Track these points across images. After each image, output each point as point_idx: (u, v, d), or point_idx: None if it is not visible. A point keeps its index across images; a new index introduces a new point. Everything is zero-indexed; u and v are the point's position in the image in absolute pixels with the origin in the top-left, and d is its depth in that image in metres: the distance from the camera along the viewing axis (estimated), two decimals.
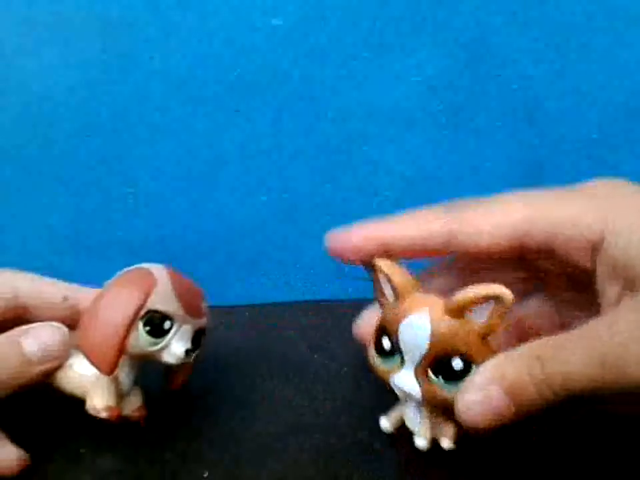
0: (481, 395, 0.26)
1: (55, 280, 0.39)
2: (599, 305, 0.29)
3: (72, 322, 0.35)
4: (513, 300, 0.26)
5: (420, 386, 0.29)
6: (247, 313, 0.50)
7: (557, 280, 0.33)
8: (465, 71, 0.48)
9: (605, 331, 0.26)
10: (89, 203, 0.51)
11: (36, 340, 0.33)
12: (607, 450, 0.33)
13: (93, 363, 0.32)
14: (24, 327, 0.33)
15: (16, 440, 0.34)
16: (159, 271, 0.34)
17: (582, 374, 0.25)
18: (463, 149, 0.50)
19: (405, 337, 0.29)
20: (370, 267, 0.32)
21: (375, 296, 0.32)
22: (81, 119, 0.49)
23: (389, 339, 0.30)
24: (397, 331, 0.29)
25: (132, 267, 0.34)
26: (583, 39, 0.46)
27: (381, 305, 0.32)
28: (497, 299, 0.26)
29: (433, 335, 0.28)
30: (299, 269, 0.52)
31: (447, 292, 0.30)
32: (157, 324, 0.33)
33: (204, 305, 0.36)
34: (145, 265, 0.34)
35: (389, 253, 0.32)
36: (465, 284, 0.33)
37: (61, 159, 0.50)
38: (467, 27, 0.46)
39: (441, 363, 0.28)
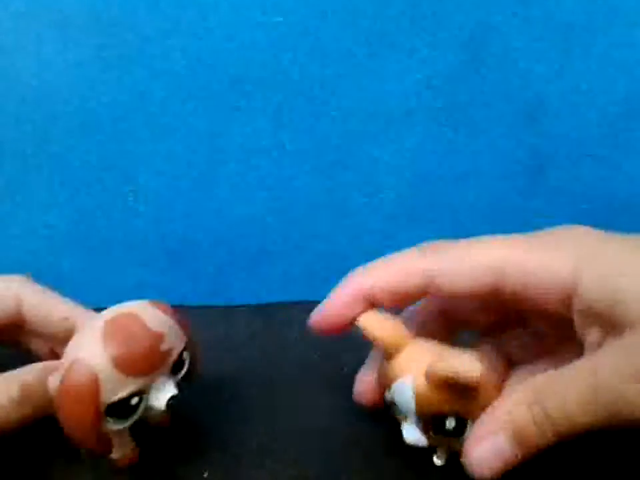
0: (489, 446, 0.27)
1: (60, 297, 0.38)
2: (579, 339, 0.30)
3: (66, 341, 0.35)
4: (479, 378, 0.27)
5: (426, 438, 0.30)
6: (246, 312, 0.50)
7: (537, 318, 0.34)
8: (465, 70, 0.48)
9: (597, 374, 0.26)
10: (88, 201, 0.51)
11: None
12: (606, 455, 0.33)
13: None
14: (53, 365, 0.33)
15: (16, 440, 0.34)
16: (97, 355, 0.30)
17: (580, 416, 0.26)
18: (463, 147, 0.50)
19: (397, 400, 0.30)
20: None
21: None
22: (80, 116, 0.49)
23: (389, 393, 0.31)
24: (390, 391, 0.30)
25: (69, 355, 0.31)
26: (584, 38, 0.46)
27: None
28: (463, 381, 0.27)
29: (417, 402, 0.29)
30: (299, 267, 0.52)
31: (433, 332, 0.33)
32: (122, 409, 0.31)
33: (166, 342, 0.32)
34: (80, 351, 0.31)
35: (373, 306, 0.32)
36: (445, 323, 0.35)
37: (60, 157, 0.50)
38: (467, 26, 0.46)
39: (435, 423, 0.29)
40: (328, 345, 0.39)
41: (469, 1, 0.46)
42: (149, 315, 0.32)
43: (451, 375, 0.27)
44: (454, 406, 0.28)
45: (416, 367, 0.29)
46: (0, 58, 0.48)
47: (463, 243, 0.32)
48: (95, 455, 0.34)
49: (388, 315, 0.32)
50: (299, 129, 0.50)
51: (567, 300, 0.29)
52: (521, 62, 0.47)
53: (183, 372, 0.34)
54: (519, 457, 0.27)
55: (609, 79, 0.47)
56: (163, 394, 0.32)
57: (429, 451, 0.32)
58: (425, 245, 0.33)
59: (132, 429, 0.33)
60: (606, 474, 0.32)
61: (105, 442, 0.32)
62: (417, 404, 0.29)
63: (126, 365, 0.30)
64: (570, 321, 0.30)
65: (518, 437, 0.27)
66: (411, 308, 0.36)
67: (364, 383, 0.36)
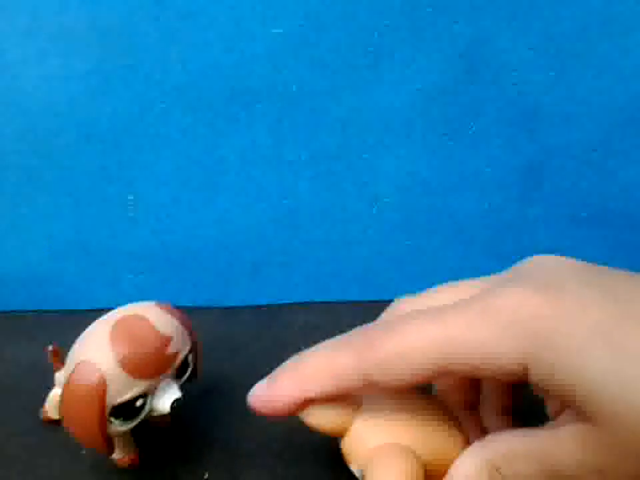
0: None
1: None
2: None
3: None
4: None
5: None
6: (247, 314, 0.50)
7: (501, 390, 0.33)
8: (462, 79, 0.48)
9: (556, 456, 0.25)
10: (90, 211, 0.52)
11: None
12: None
13: None
14: None
15: (16, 441, 0.34)
16: (105, 356, 0.30)
17: None
18: (461, 156, 0.50)
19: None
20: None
21: None
22: (82, 128, 0.50)
23: None
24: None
25: (77, 358, 0.31)
26: (580, 46, 0.47)
27: None
28: None
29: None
30: (298, 275, 0.53)
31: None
32: (127, 411, 0.31)
33: (173, 344, 0.32)
34: (88, 352, 0.31)
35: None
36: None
37: (62, 167, 0.51)
38: (464, 36, 0.47)
39: None
40: None
41: (466, 12, 0.46)
42: (157, 317, 0.33)
43: None
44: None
45: (359, 456, 0.30)
46: (3, 71, 0.49)
47: (395, 327, 0.29)
48: (96, 455, 0.34)
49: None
50: (298, 139, 0.50)
51: (522, 377, 0.26)
52: (517, 71, 0.48)
53: (187, 374, 0.34)
54: None
55: (605, 88, 0.48)
56: (167, 396, 0.32)
57: None
58: (354, 335, 0.30)
59: (133, 429, 0.33)
60: None
61: (108, 443, 0.32)
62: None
63: (133, 367, 0.30)
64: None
65: None
66: None
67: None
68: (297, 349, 0.44)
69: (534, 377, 0.25)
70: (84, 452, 0.36)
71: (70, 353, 0.32)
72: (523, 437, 0.27)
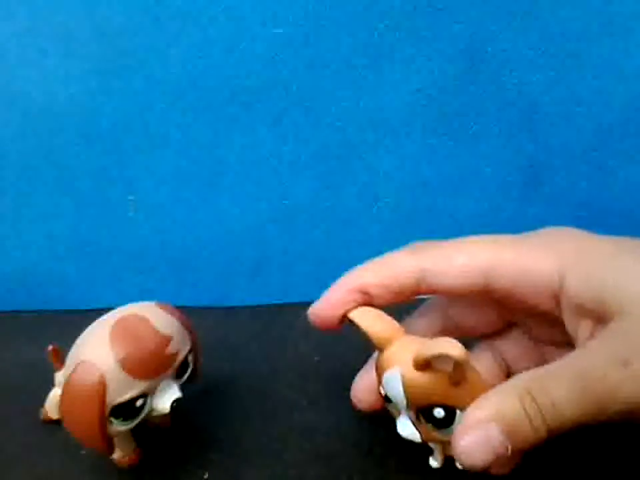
0: (479, 435, 0.26)
1: None
2: (572, 339, 0.30)
3: None
4: (464, 357, 0.26)
5: (419, 431, 0.30)
6: (247, 314, 0.50)
7: (529, 318, 0.34)
8: (462, 79, 0.48)
9: (590, 367, 0.26)
10: (90, 211, 0.52)
11: None
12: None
13: None
14: None
15: (16, 440, 0.34)
16: (104, 356, 0.31)
17: (570, 407, 0.26)
18: (460, 156, 0.50)
19: (388, 392, 0.30)
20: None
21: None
22: (82, 128, 0.50)
23: (382, 387, 0.31)
24: (382, 383, 0.30)
25: (77, 358, 0.31)
26: (580, 47, 0.47)
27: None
28: (450, 357, 0.26)
29: (406, 391, 0.29)
30: (299, 275, 0.53)
31: (432, 333, 0.32)
32: (127, 411, 0.31)
33: (173, 345, 0.32)
34: (88, 353, 0.31)
35: (368, 302, 0.33)
36: (444, 325, 0.35)
37: (62, 167, 0.51)
38: (464, 35, 0.47)
39: (425, 413, 0.29)
40: (328, 346, 0.39)
41: (465, 11, 0.46)
42: (157, 317, 0.33)
43: (435, 353, 0.27)
44: (442, 394, 0.28)
45: (404, 357, 0.29)
46: (3, 71, 0.49)
47: (453, 242, 0.33)
48: (96, 455, 0.34)
49: (380, 311, 0.32)
50: (298, 139, 0.50)
51: (555, 297, 0.30)
52: (517, 71, 0.48)
53: (187, 374, 0.34)
54: (509, 450, 0.26)
55: (605, 88, 0.48)
56: (167, 396, 0.32)
57: (428, 451, 0.32)
58: (417, 243, 0.34)
59: (133, 429, 0.33)
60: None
61: (108, 442, 0.32)
62: (405, 393, 0.29)
63: (133, 367, 0.30)
64: (563, 324, 0.30)
65: (510, 429, 0.26)
66: (411, 318, 0.37)
67: (360, 387, 0.36)
68: (297, 349, 0.45)
69: (569, 286, 0.29)
70: (84, 452, 0.36)
71: (70, 353, 0.32)
72: (548, 366, 0.28)
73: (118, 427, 0.31)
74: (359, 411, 0.36)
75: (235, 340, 0.47)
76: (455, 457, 0.27)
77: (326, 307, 0.33)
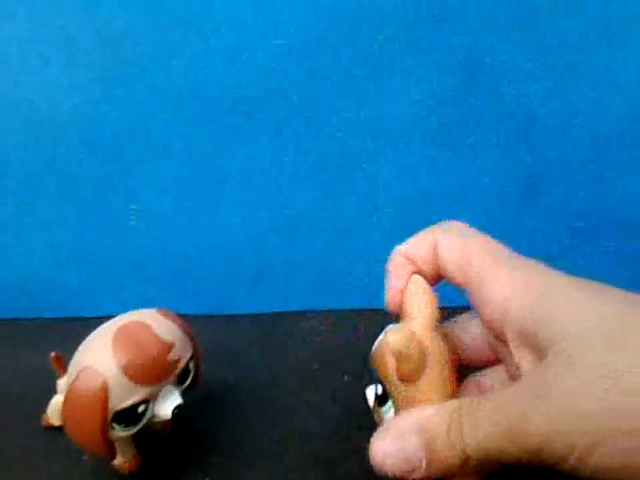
0: (396, 443, 0.27)
1: None
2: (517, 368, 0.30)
3: None
4: (393, 344, 0.27)
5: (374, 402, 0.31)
6: (247, 322, 0.51)
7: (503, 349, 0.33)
8: (461, 90, 0.48)
9: (512, 399, 0.26)
10: (92, 219, 0.52)
11: None
12: None
13: None
14: None
15: (18, 446, 0.34)
16: (107, 363, 0.31)
17: (489, 435, 0.25)
18: (459, 166, 0.50)
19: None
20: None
21: None
22: (84, 136, 0.50)
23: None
24: None
25: (79, 364, 0.32)
26: (577, 58, 0.47)
27: None
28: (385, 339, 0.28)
29: (373, 352, 0.30)
30: (299, 283, 0.53)
31: None
32: (129, 416, 0.31)
33: (174, 351, 0.33)
34: (90, 359, 0.31)
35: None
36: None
37: (64, 176, 0.51)
38: (463, 47, 0.47)
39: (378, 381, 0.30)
40: (328, 353, 0.40)
41: (464, 23, 0.47)
42: (159, 324, 0.33)
43: (386, 332, 0.28)
44: (386, 376, 0.29)
45: (394, 326, 0.30)
46: (6, 79, 0.49)
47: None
48: (97, 460, 0.34)
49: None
50: (299, 149, 0.51)
51: (503, 318, 0.29)
52: (515, 82, 0.48)
53: (189, 381, 0.34)
54: (423, 465, 0.26)
55: (602, 99, 0.48)
56: (169, 403, 0.32)
57: None
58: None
59: (135, 435, 0.33)
60: None
61: (110, 448, 0.32)
62: (373, 357, 0.30)
63: (135, 373, 0.31)
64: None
65: (427, 443, 0.26)
66: None
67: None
68: (297, 357, 0.45)
69: (511, 316, 0.28)
70: (85, 457, 0.36)
71: (72, 360, 0.33)
72: (486, 395, 0.28)
73: (120, 432, 0.32)
74: (359, 417, 0.36)
75: (236, 347, 0.47)
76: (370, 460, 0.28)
77: (391, 292, 0.33)
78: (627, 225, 0.51)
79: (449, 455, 0.26)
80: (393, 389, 0.29)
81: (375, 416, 0.31)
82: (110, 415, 0.31)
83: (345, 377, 0.41)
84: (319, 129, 0.50)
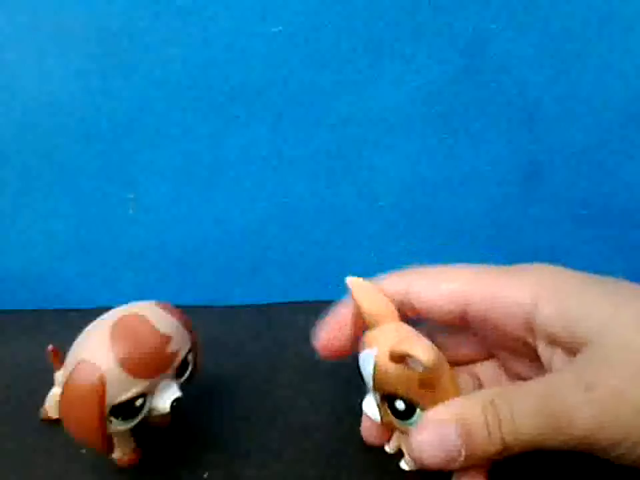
0: (435, 434, 0.27)
1: None
2: (545, 371, 0.31)
3: None
4: (431, 363, 0.27)
5: (379, 412, 0.31)
6: (247, 313, 0.50)
7: (505, 351, 0.34)
8: (462, 77, 0.48)
9: (553, 389, 0.27)
10: (90, 210, 0.52)
11: None
12: None
13: None
14: None
15: (16, 440, 0.34)
16: (104, 356, 0.30)
17: (528, 423, 0.26)
18: (461, 154, 0.50)
19: (361, 369, 0.31)
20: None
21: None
22: (81, 126, 0.50)
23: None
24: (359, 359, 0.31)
25: (77, 357, 0.31)
26: (580, 45, 0.47)
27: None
28: (419, 360, 0.27)
29: (375, 375, 0.29)
30: (299, 273, 0.53)
31: None
32: (127, 410, 0.31)
33: (173, 344, 0.32)
34: (87, 353, 0.31)
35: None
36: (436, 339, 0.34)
37: (61, 166, 0.51)
38: (465, 33, 0.47)
39: (388, 400, 0.30)
40: None
41: (466, 8, 0.46)
42: (157, 317, 0.33)
43: (407, 353, 0.27)
44: (407, 390, 0.28)
45: (383, 343, 0.29)
46: (2, 69, 0.49)
47: (438, 268, 0.35)
48: (95, 455, 0.34)
49: (379, 288, 0.33)
50: (297, 137, 0.50)
51: (529, 325, 0.31)
52: (518, 69, 0.48)
53: (187, 374, 0.34)
54: (462, 456, 0.27)
55: (606, 85, 0.48)
56: (167, 396, 0.32)
57: None
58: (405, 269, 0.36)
59: (133, 429, 0.33)
60: None
61: (108, 442, 0.32)
62: (374, 377, 0.29)
63: (133, 367, 0.30)
64: (537, 359, 0.31)
65: (466, 433, 0.26)
66: None
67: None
68: (297, 349, 0.45)
69: (542, 315, 0.30)
70: (83, 451, 0.36)
71: (70, 352, 0.32)
72: (516, 383, 0.30)
73: (117, 426, 0.31)
74: (360, 410, 0.36)
75: (235, 339, 0.46)
76: (410, 455, 0.28)
77: (328, 342, 0.35)
78: (631, 214, 0.51)
79: (487, 444, 0.26)
80: (418, 398, 0.28)
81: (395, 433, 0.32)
82: (107, 409, 0.30)
83: (345, 370, 0.40)
84: (318, 117, 0.49)
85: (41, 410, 0.39)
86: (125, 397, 0.30)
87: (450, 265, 0.35)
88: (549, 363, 0.30)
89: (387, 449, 0.33)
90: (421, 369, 0.27)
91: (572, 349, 0.28)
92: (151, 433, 0.36)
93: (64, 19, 0.47)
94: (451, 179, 0.51)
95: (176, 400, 0.32)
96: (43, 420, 0.39)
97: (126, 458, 0.34)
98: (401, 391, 0.29)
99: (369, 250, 0.52)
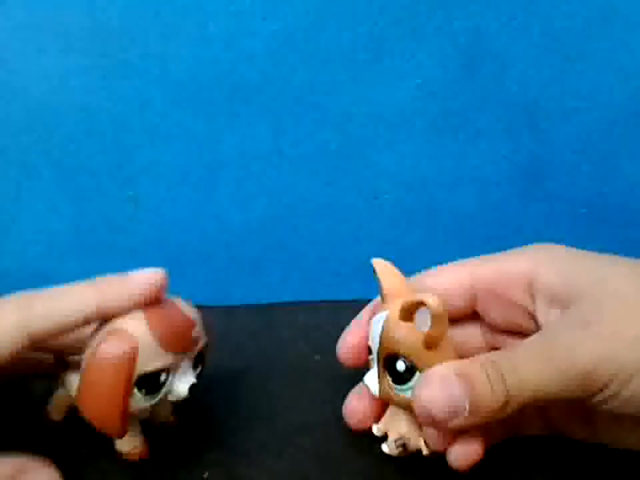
0: (440, 388, 0.28)
1: (71, 292, 0.34)
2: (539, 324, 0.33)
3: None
4: (439, 308, 0.27)
5: (379, 384, 0.31)
6: (247, 313, 0.50)
7: (510, 336, 0.35)
8: (463, 75, 0.48)
9: (554, 333, 0.29)
10: (89, 208, 0.51)
11: None
12: None
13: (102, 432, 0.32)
14: (21, 464, 0.32)
15: (17, 441, 0.34)
16: (138, 325, 0.31)
17: (531, 372, 0.27)
18: (462, 152, 0.50)
19: (370, 335, 0.31)
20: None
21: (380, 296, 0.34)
22: (81, 124, 0.50)
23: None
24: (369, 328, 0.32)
25: (108, 328, 0.32)
26: (582, 43, 0.47)
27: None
28: (426, 305, 0.27)
29: (382, 334, 0.30)
30: (299, 271, 0.53)
31: None
32: (151, 383, 0.31)
33: (196, 330, 0.33)
34: (120, 322, 0.31)
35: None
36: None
37: (61, 164, 0.50)
38: (466, 31, 0.47)
39: (389, 363, 0.30)
40: (328, 345, 0.39)
41: (467, 6, 0.46)
42: (182, 304, 0.34)
43: (415, 300, 0.28)
44: (411, 348, 0.29)
45: (395, 306, 0.30)
46: (2, 67, 0.49)
47: (436, 268, 0.37)
48: (96, 454, 0.34)
49: (398, 271, 0.34)
50: (298, 135, 0.50)
51: (530, 288, 0.33)
52: (519, 67, 0.48)
53: (199, 369, 0.34)
54: (466, 410, 0.27)
55: (607, 84, 0.48)
56: (186, 380, 0.33)
57: (430, 453, 0.31)
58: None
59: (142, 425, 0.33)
60: None
61: (126, 420, 0.31)
62: (381, 336, 0.30)
63: (164, 338, 0.31)
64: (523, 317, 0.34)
65: (470, 389, 0.27)
66: None
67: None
68: (297, 348, 0.45)
69: (542, 278, 0.32)
70: (83, 450, 0.36)
71: (98, 327, 0.32)
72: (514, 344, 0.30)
73: (138, 402, 0.31)
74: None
75: (235, 339, 0.46)
76: (415, 410, 0.28)
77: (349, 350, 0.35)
78: (631, 211, 0.51)
79: (490, 399, 0.27)
80: (420, 360, 0.29)
81: (370, 360, 0.32)
82: (134, 378, 0.31)
83: (345, 370, 0.40)
84: (318, 115, 0.49)
85: (47, 410, 0.39)
86: (153, 366, 0.31)
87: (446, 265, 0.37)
88: (548, 319, 0.32)
89: (375, 430, 0.33)
90: (427, 327, 0.28)
91: (567, 304, 0.30)
92: (151, 432, 0.36)
93: (64, 17, 0.47)
94: (451, 177, 0.51)
95: (192, 386, 0.33)
96: (45, 421, 0.38)
97: (137, 451, 0.34)
98: (403, 350, 0.29)
99: (369, 249, 0.52)
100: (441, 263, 0.50)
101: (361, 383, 0.35)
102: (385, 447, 0.32)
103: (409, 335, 0.29)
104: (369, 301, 0.36)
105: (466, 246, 0.52)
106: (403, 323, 0.29)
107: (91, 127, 0.50)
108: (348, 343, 0.35)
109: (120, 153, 0.50)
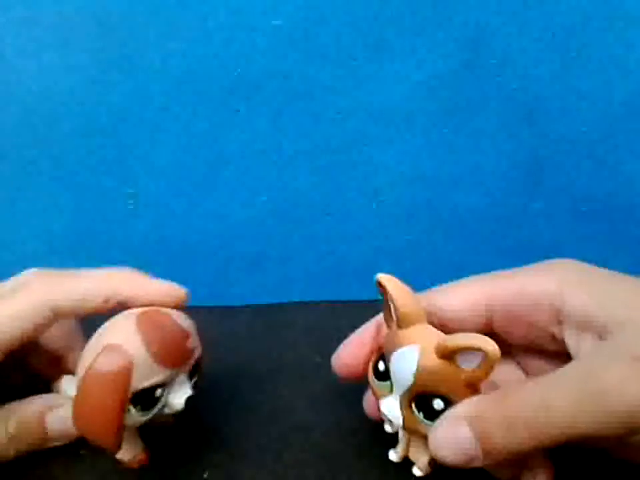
0: (449, 431, 0.27)
1: (94, 275, 0.36)
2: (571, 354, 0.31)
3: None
4: (497, 354, 0.26)
5: (402, 416, 0.30)
6: (247, 313, 0.50)
7: (529, 352, 0.34)
8: (464, 72, 0.48)
9: (591, 366, 0.26)
10: (89, 204, 0.51)
11: (58, 419, 0.34)
12: None
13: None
14: (51, 401, 0.34)
15: None
16: (132, 340, 0.31)
17: (567, 408, 0.25)
18: (462, 149, 0.50)
19: (395, 367, 0.30)
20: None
21: (383, 313, 0.32)
22: (80, 120, 0.49)
23: (384, 363, 0.31)
24: (390, 358, 0.30)
25: (103, 341, 0.31)
26: (583, 39, 0.46)
27: (387, 324, 0.32)
28: (482, 350, 0.26)
29: (418, 372, 0.28)
30: (299, 269, 0.53)
31: None
32: (146, 399, 0.31)
33: (191, 341, 0.33)
34: (115, 336, 0.31)
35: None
36: None
37: (60, 161, 0.50)
38: (467, 27, 0.46)
39: (423, 400, 0.29)
40: (328, 346, 0.39)
41: (468, 3, 0.46)
42: (176, 314, 0.33)
43: (469, 344, 0.26)
44: (451, 388, 0.28)
45: (427, 339, 0.28)
46: (1, 62, 0.48)
47: (448, 284, 0.35)
48: (96, 455, 0.34)
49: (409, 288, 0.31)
50: (298, 132, 0.50)
51: (555, 313, 0.31)
52: (520, 64, 0.47)
53: (196, 378, 0.34)
54: (480, 452, 0.26)
55: (608, 80, 0.47)
56: (181, 392, 0.32)
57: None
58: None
59: (139, 428, 0.33)
60: None
61: (120, 435, 0.31)
62: (416, 373, 0.28)
63: (159, 353, 0.31)
64: (555, 353, 0.32)
65: (482, 430, 0.26)
66: None
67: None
68: (297, 349, 0.45)
69: (572, 301, 0.30)
70: (83, 451, 0.36)
71: (91, 342, 0.32)
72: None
73: (134, 418, 0.31)
74: (361, 411, 0.36)
75: (235, 340, 0.46)
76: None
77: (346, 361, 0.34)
78: (632, 209, 0.51)
79: (507, 442, 0.26)
80: (456, 397, 0.28)
81: (376, 384, 0.32)
82: (130, 394, 0.30)
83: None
84: (318, 111, 0.49)
85: None
86: (148, 383, 0.31)
87: (463, 279, 0.34)
88: (577, 351, 0.30)
89: (392, 456, 0.33)
90: (472, 366, 0.27)
91: (605, 331, 0.28)
92: (151, 432, 0.36)
93: (63, 12, 0.47)
94: (452, 174, 0.51)
95: (189, 398, 0.32)
96: None
97: (137, 459, 0.34)
98: (444, 389, 0.28)
99: (370, 247, 0.51)
100: (440, 261, 0.51)
101: (352, 335, 0.35)
102: (416, 471, 0.31)
103: (450, 375, 0.27)
104: (369, 301, 0.36)
105: (467, 243, 0.52)
106: (444, 363, 0.27)
107: (90, 123, 0.50)
108: (345, 359, 0.34)
109: (119, 149, 0.50)
